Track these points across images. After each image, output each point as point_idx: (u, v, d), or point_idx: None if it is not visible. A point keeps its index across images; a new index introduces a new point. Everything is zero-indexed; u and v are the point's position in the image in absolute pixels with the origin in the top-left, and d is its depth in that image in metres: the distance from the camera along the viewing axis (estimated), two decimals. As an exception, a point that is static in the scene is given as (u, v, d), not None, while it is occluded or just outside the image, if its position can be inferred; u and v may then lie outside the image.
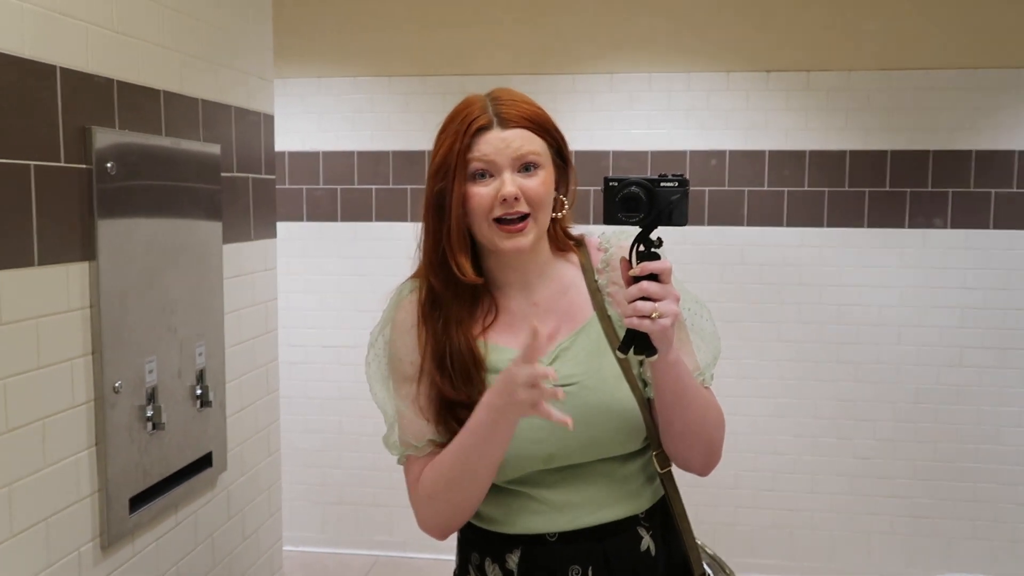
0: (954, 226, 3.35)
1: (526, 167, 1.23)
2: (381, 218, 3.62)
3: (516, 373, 1.09)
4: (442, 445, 1.25)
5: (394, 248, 3.57)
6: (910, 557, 3.45)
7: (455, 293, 1.27)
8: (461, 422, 1.21)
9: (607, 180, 1.17)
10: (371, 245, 3.63)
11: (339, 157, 3.63)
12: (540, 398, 1.09)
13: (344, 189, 3.64)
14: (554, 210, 1.30)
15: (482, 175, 1.23)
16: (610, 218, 1.17)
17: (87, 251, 1.60)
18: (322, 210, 3.65)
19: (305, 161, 3.64)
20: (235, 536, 2.21)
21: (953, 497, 3.41)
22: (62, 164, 1.53)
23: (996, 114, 3.30)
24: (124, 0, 1.70)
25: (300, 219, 3.65)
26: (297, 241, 3.63)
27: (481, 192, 1.22)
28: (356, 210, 3.64)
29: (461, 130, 1.23)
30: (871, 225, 3.40)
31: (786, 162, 3.42)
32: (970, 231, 3.34)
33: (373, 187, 3.62)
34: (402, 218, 3.60)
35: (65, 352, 1.55)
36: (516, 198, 1.21)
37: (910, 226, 3.38)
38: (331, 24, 3.58)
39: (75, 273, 1.57)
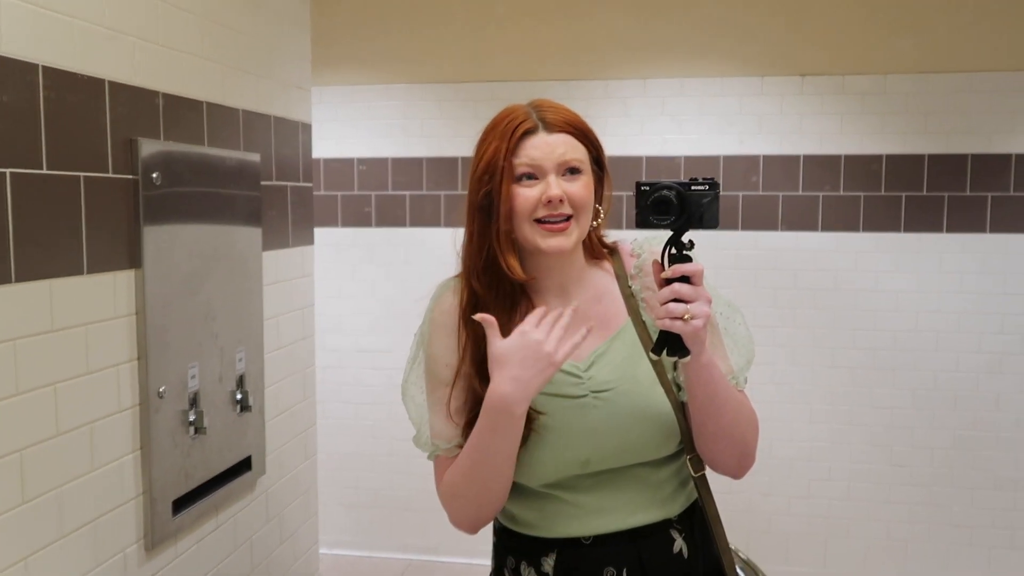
0: (993, 230, 3.30)
1: (570, 171, 1.25)
2: (415, 224, 3.65)
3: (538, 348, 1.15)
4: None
5: (427, 253, 3.60)
6: (947, 567, 3.40)
7: (496, 297, 1.28)
8: None
9: (639, 184, 1.19)
10: (405, 251, 3.66)
11: (373, 163, 3.67)
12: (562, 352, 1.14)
13: (378, 195, 3.67)
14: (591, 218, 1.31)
15: (528, 177, 1.25)
16: (642, 222, 1.19)
17: (133, 259, 1.63)
18: (356, 216, 3.69)
19: (340, 168, 3.69)
20: (273, 539, 2.24)
21: (992, 506, 3.36)
22: (110, 175, 1.57)
23: (1036, 117, 3.25)
24: (170, 15, 1.74)
25: (335, 225, 3.69)
26: (331, 247, 3.67)
27: (526, 193, 1.24)
28: (390, 216, 3.67)
29: (507, 133, 1.25)
30: (908, 230, 3.36)
31: (821, 167, 3.39)
32: (1010, 235, 3.29)
33: (407, 193, 3.65)
34: (435, 224, 3.62)
35: (112, 358, 1.59)
36: (561, 200, 1.23)
37: (948, 231, 3.33)
38: (365, 33, 3.62)
39: (122, 281, 1.61)
